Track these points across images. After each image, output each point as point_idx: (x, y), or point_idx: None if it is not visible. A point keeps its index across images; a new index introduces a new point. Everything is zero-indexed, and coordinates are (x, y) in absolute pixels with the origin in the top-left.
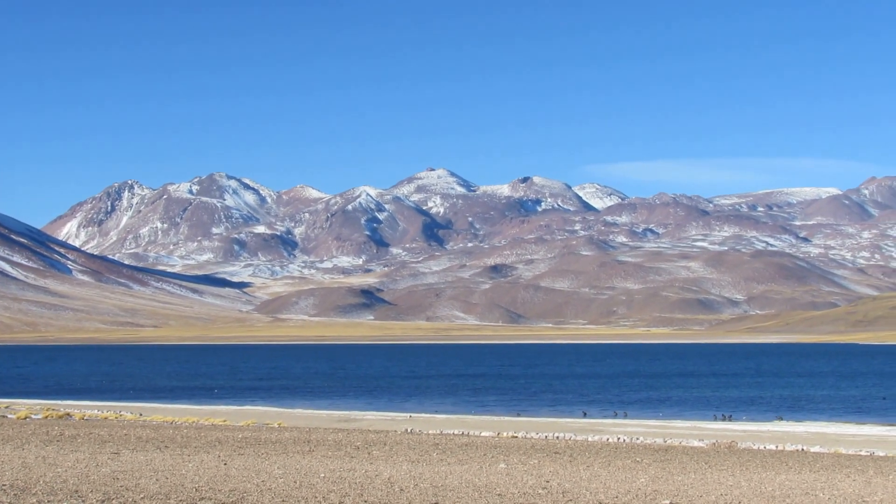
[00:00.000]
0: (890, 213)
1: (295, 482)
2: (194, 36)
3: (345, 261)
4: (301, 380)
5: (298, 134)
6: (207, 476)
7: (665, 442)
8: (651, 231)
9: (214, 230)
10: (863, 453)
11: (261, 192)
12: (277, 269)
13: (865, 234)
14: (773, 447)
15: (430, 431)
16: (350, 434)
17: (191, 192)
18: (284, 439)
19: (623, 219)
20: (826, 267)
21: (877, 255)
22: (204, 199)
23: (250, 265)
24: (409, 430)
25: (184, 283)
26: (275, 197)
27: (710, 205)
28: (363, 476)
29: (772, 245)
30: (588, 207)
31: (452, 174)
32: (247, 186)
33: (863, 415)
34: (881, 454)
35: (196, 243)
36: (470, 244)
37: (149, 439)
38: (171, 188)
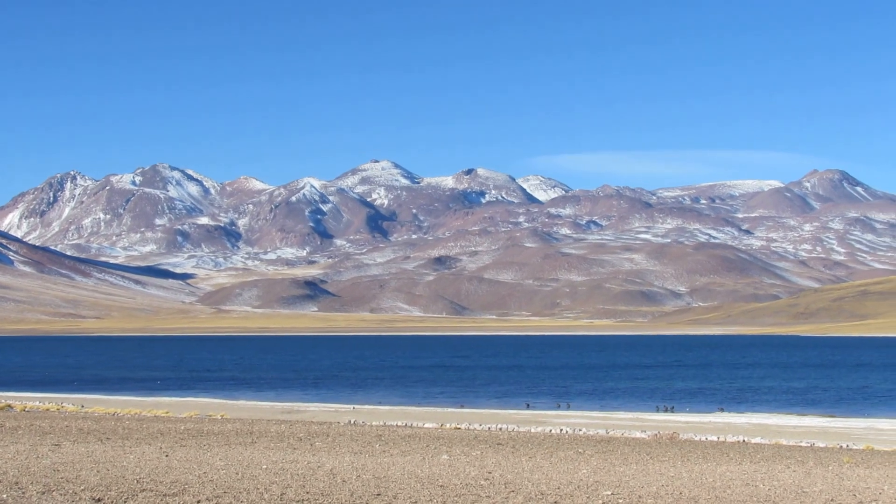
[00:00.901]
0: (831, 206)
1: (237, 473)
2: (135, 26)
3: (289, 252)
4: (244, 371)
5: (242, 125)
6: (149, 468)
7: (607, 433)
8: (595, 223)
9: (158, 221)
10: (803, 444)
11: (204, 183)
12: (221, 260)
13: (807, 227)
14: (714, 438)
15: (374, 423)
16: (293, 425)
17: (134, 182)
18: (227, 431)
19: (567, 211)
20: (768, 259)
21: (818, 248)
22: (147, 190)
23: (194, 256)
24: (352, 422)
25: (127, 275)
26: (218, 188)
27: (654, 197)
28: (305, 467)
29: (714, 237)
30: (532, 199)
31: (397, 166)
32: (190, 177)
33: (804, 406)
34: (821, 445)
35: (139, 234)
36: (414, 236)
37: (90, 431)
38: (113, 179)
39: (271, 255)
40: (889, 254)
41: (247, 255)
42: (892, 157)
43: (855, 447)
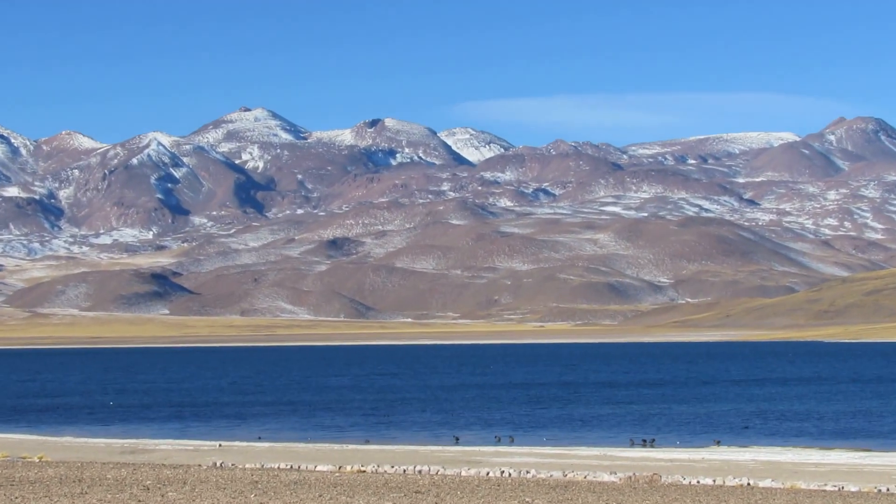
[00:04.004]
0: (864, 167)
1: None
2: None
3: (128, 234)
4: (70, 397)
5: (65, 68)
6: None
7: (565, 476)
8: (545, 192)
9: None
10: (829, 488)
11: (12, 140)
12: (36, 245)
13: (832, 195)
14: (709, 482)
15: (248, 465)
16: (138, 470)
17: None
18: (47, 478)
19: (507, 175)
20: (779, 239)
21: (846, 223)
22: None
23: None
24: (218, 464)
25: None
26: (31, 148)
27: (625, 156)
28: None
29: (707, 210)
30: (460, 160)
31: (275, 116)
32: None
33: (829, 437)
34: (853, 489)
35: None
36: (300, 211)
37: None
38: None
39: (105, 239)
40: None
41: (71, 239)
42: None
43: None
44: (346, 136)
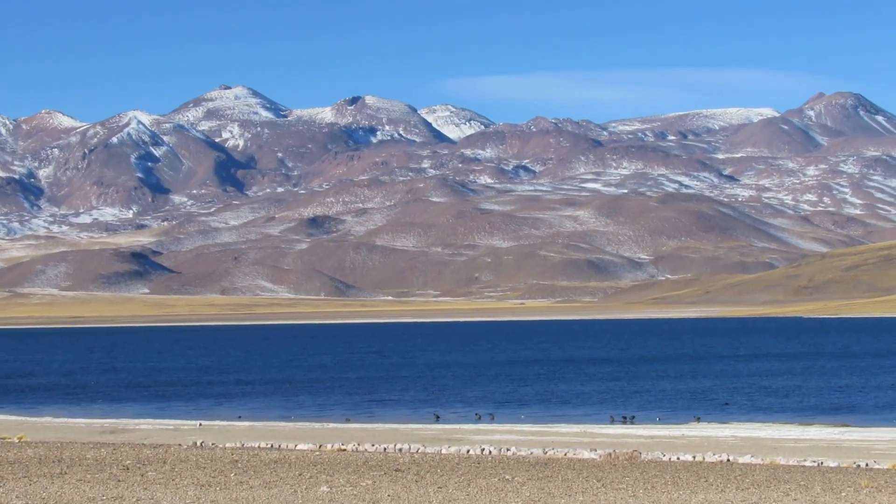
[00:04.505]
0: (843, 142)
1: None
2: None
3: (109, 213)
4: (50, 377)
5: (46, 45)
6: None
7: (545, 453)
8: (525, 169)
9: None
10: (808, 463)
11: None
12: (15, 225)
13: (811, 171)
14: (689, 458)
15: (228, 444)
16: (118, 449)
17: None
18: (26, 458)
19: (487, 152)
20: (759, 215)
21: (826, 199)
22: None
23: None
24: (198, 443)
25: None
26: (11, 127)
27: (604, 133)
28: None
29: (686, 186)
30: (440, 138)
31: (255, 94)
32: None
33: (809, 413)
34: (832, 464)
35: None
36: (280, 189)
37: None
38: None
39: (85, 218)
40: None
41: (51, 218)
42: None
43: (877, 466)
44: (326, 114)
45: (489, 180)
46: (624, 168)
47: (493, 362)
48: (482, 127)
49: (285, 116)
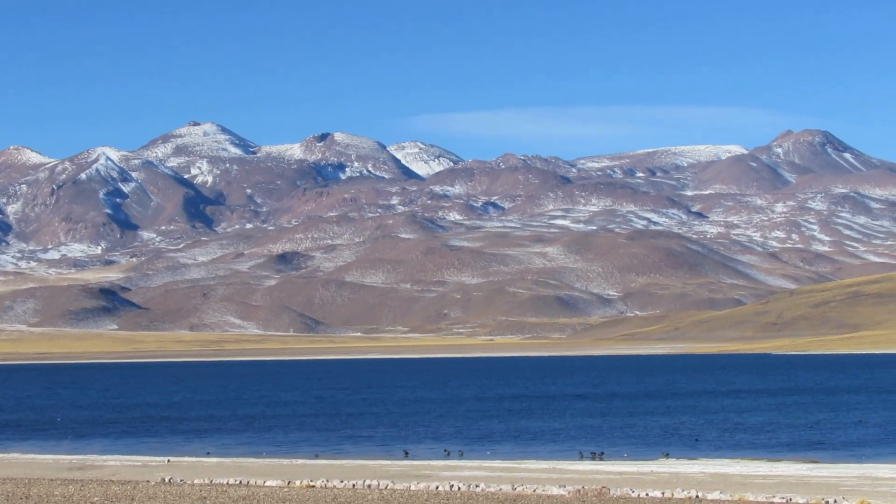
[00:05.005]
0: (811, 179)
1: None
2: None
3: (77, 249)
4: (17, 413)
5: (13, 80)
6: None
7: (514, 489)
8: (494, 205)
9: None
10: (777, 500)
11: None
12: None
13: (779, 208)
14: (657, 494)
15: (197, 481)
16: (86, 486)
17: None
18: None
19: (456, 189)
20: (727, 252)
21: (794, 236)
22: None
23: None
24: (167, 480)
25: None
26: None
27: (573, 170)
28: None
29: (655, 223)
30: (409, 174)
31: (224, 130)
32: None
33: (777, 449)
34: (800, 501)
35: None
36: (249, 225)
37: None
38: None
39: (53, 254)
40: (889, 242)
41: (19, 255)
42: (890, 114)
43: (845, 502)
44: (295, 151)
45: (458, 217)
46: (592, 205)
47: (462, 398)
48: (451, 164)
49: (254, 153)
